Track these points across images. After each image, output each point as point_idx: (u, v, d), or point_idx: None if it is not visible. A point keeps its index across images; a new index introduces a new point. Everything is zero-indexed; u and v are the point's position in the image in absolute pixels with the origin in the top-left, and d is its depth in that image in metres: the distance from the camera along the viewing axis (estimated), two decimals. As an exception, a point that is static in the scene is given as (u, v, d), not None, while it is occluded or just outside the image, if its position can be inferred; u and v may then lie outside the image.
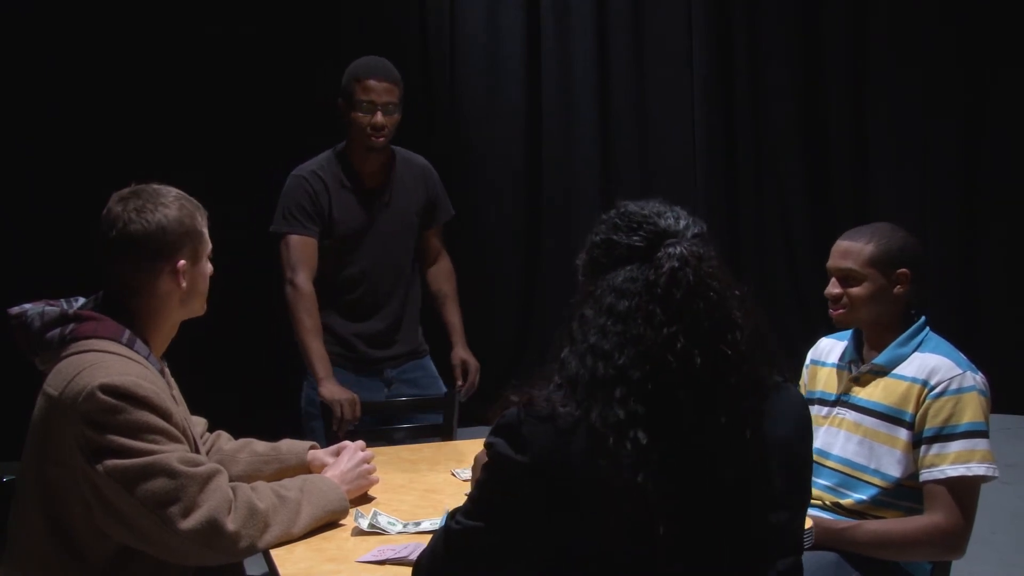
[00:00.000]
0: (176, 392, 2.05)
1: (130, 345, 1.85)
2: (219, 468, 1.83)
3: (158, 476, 1.72)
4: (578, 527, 1.33)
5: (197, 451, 1.94)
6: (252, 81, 5.23)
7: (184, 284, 1.90)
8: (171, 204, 1.89)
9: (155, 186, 1.93)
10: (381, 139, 2.99)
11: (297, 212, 3.00)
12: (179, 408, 1.96)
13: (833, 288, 2.29)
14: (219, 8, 5.12)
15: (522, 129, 5.85)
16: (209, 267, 2.00)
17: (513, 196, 5.87)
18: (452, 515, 1.45)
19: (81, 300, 1.93)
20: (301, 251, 2.99)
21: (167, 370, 2.05)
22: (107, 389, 1.72)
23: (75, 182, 4.61)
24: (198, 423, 2.25)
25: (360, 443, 2.28)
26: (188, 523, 1.72)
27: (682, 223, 1.42)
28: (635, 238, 1.40)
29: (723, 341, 1.35)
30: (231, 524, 1.76)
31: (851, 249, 2.27)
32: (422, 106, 5.66)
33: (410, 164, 3.18)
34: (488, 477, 1.40)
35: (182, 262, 1.89)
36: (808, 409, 1.52)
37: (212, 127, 5.16)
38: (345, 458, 2.18)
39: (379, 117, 2.96)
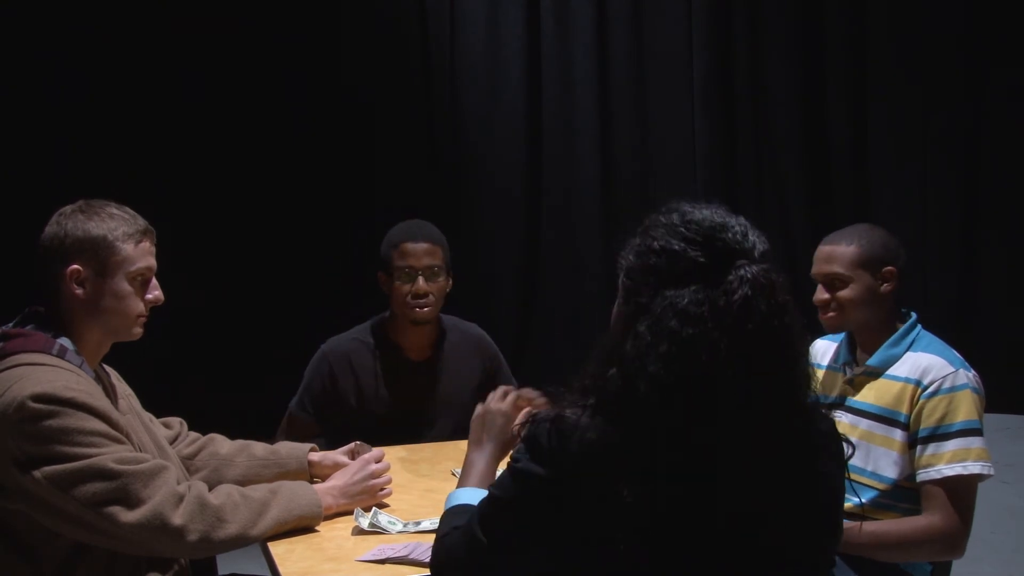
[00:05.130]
0: (128, 401, 2.04)
1: (60, 355, 1.85)
2: (165, 464, 1.84)
3: (95, 478, 1.73)
4: (594, 554, 1.27)
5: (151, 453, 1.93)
6: (251, 82, 5.24)
7: (82, 292, 1.88)
8: (93, 216, 1.89)
9: (103, 201, 1.94)
10: (426, 309, 2.71)
11: (306, 398, 2.79)
12: (126, 415, 1.95)
13: (821, 294, 2.28)
14: (218, 11, 5.12)
15: (522, 129, 5.85)
16: (153, 294, 1.96)
17: (513, 196, 5.87)
18: (477, 517, 1.41)
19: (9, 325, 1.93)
20: (295, 433, 2.75)
21: (113, 378, 2.05)
22: (37, 397, 1.73)
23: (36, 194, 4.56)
24: (171, 423, 2.26)
25: (377, 453, 2.26)
26: (131, 517, 1.74)
27: (750, 239, 1.32)
28: (699, 253, 1.29)
29: (787, 380, 1.29)
30: (178, 518, 1.77)
31: (834, 253, 2.26)
32: (422, 108, 5.67)
33: (465, 334, 2.91)
34: (508, 492, 1.36)
35: (74, 267, 1.87)
36: (842, 443, 1.44)
37: (209, 129, 5.16)
38: (354, 468, 2.17)
39: (421, 284, 2.69)
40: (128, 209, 1.95)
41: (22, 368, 1.79)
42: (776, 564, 1.31)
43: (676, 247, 1.30)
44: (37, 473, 1.72)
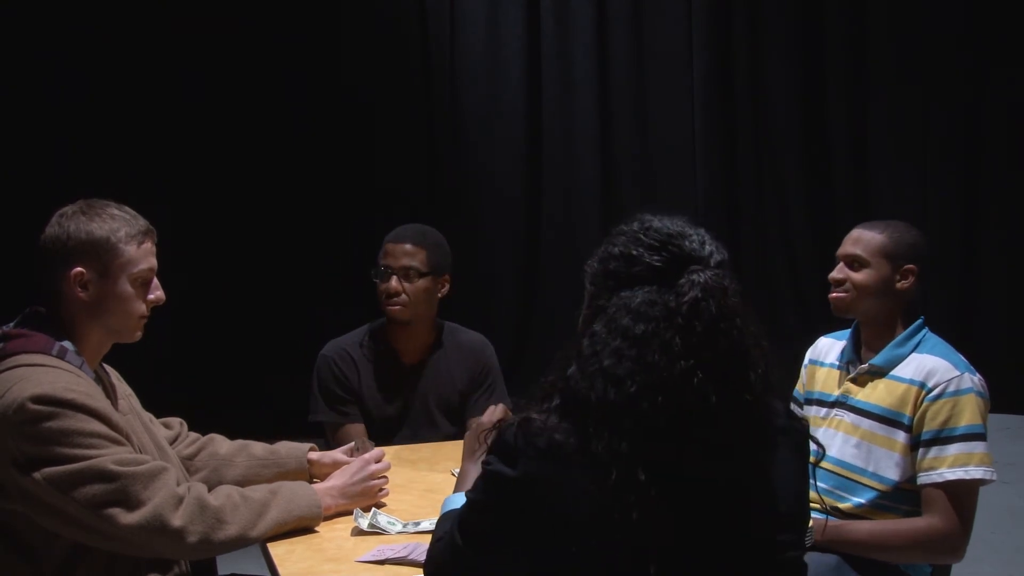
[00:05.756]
0: (128, 401, 2.04)
1: (60, 356, 1.84)
2: (165, 466, 1.83)
3: (95, 479, 1.73)
4: (565, 552, 1.29)
5: (151, 454, 1.93)
6: (251, 82, 5.24)
7: (85, 294, 1.86)
8: (95, 217, 1.87)
9: (103, 201, 1.92)
10: (396, 307, 2.70)
11: (330, 401, 2.75)
12: (126, 416, 1.95)
13: (838, 273, 2.31)
14: (218, 11, 5.12)
15: (522, 129, 5.85)
16: (155, 295, 1.95)
17: (513, 196, 5.88)
18: (456, 521, 1.44)
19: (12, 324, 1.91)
20: (345, 436, 2.69)
21: (113, 378, 2.04)
22: (36, 399, 1.72)
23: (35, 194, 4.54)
24: (171, 424, 2.25)
25: (377, 452, 2.25)
26: (131, 518, 1.74)
27: (707, 248, 1.37)
28: (655, 257, 1.35)
29: (741, 382, 1.32)
30: (177, 520, 1.77)
31: (863, 236, 2.29)
32: (422, 108, 5.68)
33: (461, 342, 2.88)
34: (481, 495, 1.38)
35: (78, 269, 1.85)
36: (808, 444, 1.47)
37: (209, 129, 5.16)
38: (354, 469, 2.17)
39: (392, 282, 2.69)
40: (128, 209, 1.94)
41: (22, 369, 1.79)
42: (740, 554, 1.33)
43: (634, 252, 1.37)
44: (37, 475, 1.71)
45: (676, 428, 1.28)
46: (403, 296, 2.70)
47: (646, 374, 1.28)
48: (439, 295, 2.80)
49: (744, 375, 1.33)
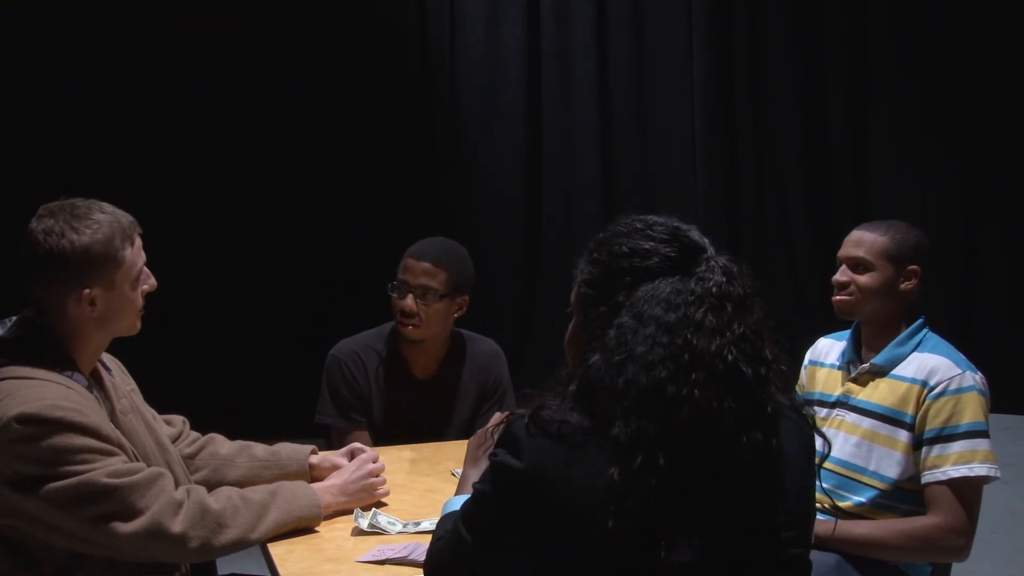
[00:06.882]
0: (130, 398, 2.01)
1: (49, 367, 1.80)
2: (161, 472, 1.82)
3: (90, 495, 1.71)
4: (577, 544, 1.30)
5: (147, 458, 1.91)
6: (251, 82, 5.24)
7: (96, 311, 1.83)
8: (85, 229, 1.80)
9: (80, 203, 1.84)
10: (409, 328, 2.63)
11: (339, 406, 2.69)
12: (127, 415, 1.93)
13: (841, 276, 2.30)
14: (218, 11, 5.12)
15: (522, 129, 5.85)
16: (148, 284, 1.92)
17: (513, 196, 5.87)
18: (460, 515, 1.44)
19: (13, 319, 1.89)
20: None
21: (115, 374, 2.01)
22: (22, 419, 1.69)
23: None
24: (174, 421, 2.24)
25: (373, 453, 2.26)
26: (129, 528, 1.73)
27: (704, 238, 1.43)
28: (668, 249, 1.39)
29: (763, 355, 1.36)
30: (177, 526, 1.76)
31: (865, 239, 2.28)
32: (422, 108, 5.67)
33: (473, 351, 2.81)
34: (488, 486, 1.39)
35: (87, 291, 1.81)
36: (812, 430, 1.49)
37: (209, 129, 5.16)
38: (352, 467, 2.17)
39: (408, 301, 2.60)
40: (107, 206, 1.88)
41: (8, 383, 1.76)
42: (746, 547, 1.34)
43: (647, 246, 1.40)
44: (30, 494, 1.70)
45: (703, 410, 1.29)
46: (417, 317, 2.62)
47: (679, 358, 1.30)
48: (456, 315, 2.73)
49: (764, 350, 1.36)
